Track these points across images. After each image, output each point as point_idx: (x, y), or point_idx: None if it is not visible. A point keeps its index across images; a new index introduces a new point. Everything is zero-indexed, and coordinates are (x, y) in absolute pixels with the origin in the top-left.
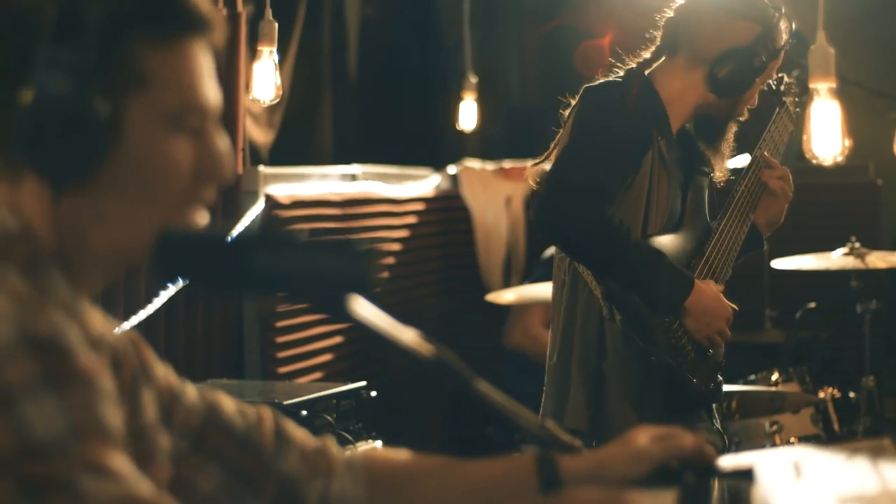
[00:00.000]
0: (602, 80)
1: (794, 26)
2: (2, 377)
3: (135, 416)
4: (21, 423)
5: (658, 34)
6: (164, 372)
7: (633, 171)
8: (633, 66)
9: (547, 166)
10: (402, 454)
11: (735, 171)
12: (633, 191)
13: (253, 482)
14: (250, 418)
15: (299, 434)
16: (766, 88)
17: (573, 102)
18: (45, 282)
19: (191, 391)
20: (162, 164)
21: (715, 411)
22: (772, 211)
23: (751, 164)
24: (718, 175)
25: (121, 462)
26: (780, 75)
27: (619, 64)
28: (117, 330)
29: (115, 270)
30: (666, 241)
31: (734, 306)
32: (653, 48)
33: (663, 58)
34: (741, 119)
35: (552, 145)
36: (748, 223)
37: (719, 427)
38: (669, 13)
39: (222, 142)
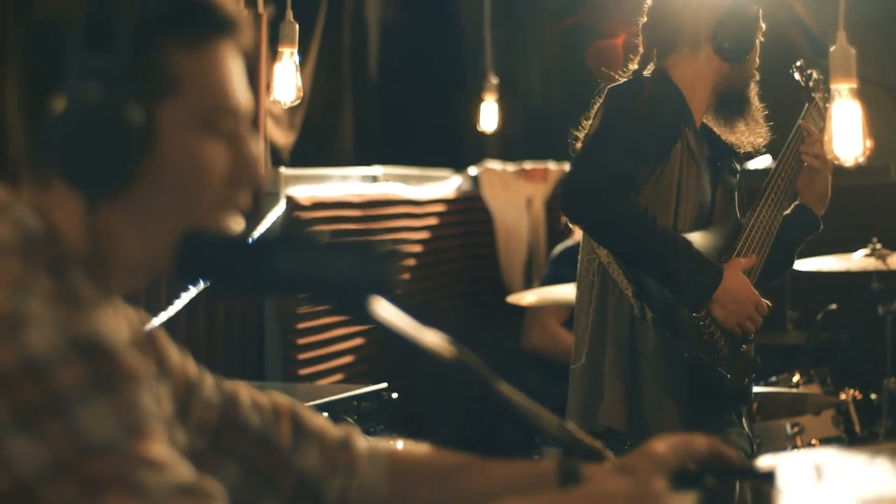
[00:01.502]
0: (624, 80)
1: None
2: (54, 383)
3: None
4: (77, 428)
5: (639, 41)
6: (181, 363)
7: (661, 159)
8: (634, 70)
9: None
10: (425, 449)
11: (755, 173)
12: (662, 181)
13: (271, 479)
14: (267, 414)
15: (319, 426)
16: (801, 83)
17: (596, 104)
18: (71, 283)
19: (208, 383)
20: (197, 168)
21: (744, 412)
22: (818, 185)
23: (787, 146)
24: (759, 141)
25: (165, 451)
26: (808, 71)
27: (623, 70)
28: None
29: (148, 275)
30: (696, 238)
31: (768, 302)
32: (638, 57)
33: (663, 55)
34: (756, 80)
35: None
36: (780, 218)
37: (748, 430)
38: (643, 19)
39: (255, 146)
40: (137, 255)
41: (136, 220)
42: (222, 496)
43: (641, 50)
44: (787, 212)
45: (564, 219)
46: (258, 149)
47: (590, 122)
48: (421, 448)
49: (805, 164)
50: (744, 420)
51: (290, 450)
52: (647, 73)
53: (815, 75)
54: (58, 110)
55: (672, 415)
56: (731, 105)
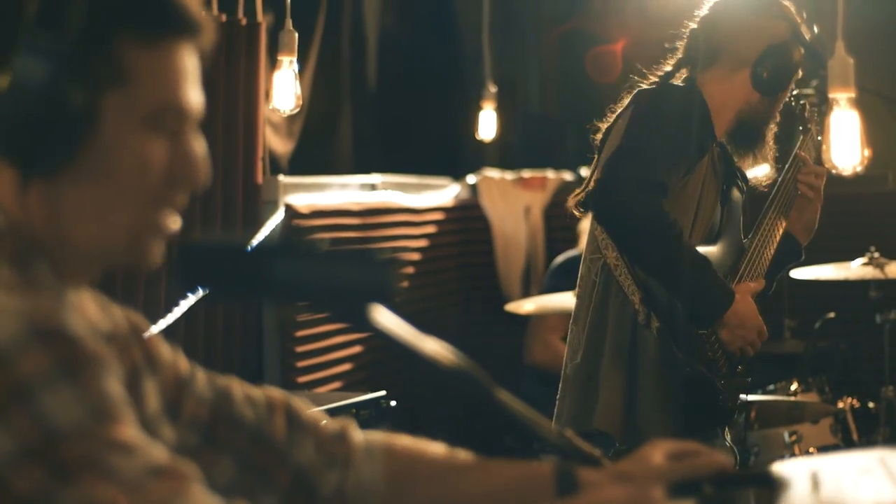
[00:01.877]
0: (656, 85)
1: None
2: (17, 371)
3: (134, 408)
4: (42, 414)
5: (681, 45)
6: (171, 359)
7: (688, 170)
8: (666, 72)
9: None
10: (422, 445)
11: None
12: (685, 194)
13: (266, 473)
14: (261, 408)
15: (314, 419)
16: (795, 111)
17: (620, 107)
18: (35, 274)
19: (200, 379)
20: (135, 161)
21: (727, 428)
22: (807, 214)
23: (785, 173)
24: (763, 179)
25: (135, 433)
26: (802, 102)
27: (643, 73)
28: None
29: (96, 266)
30: (706, 254)
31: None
32: (675, 59)
33: (701, 67)
34: (776, 121)
35: (596, 156)
36: (777, 239)
37: (731, 444)
38: (693, 25)
39: (199, 147)
40: (79, 242)
41: (74, 205)
42: (197, 476)
43: (680, 55)
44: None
45: (570, 209)
46: (202, 151)
47: (613, 117)
48: (420, 444)
49: (799, 192)
50: (727, 434)
51: (285, 443)
52: (677, 80)
53: (808, 106)
54: (1, 86)
55: (666, 424)
56: (748, 136)
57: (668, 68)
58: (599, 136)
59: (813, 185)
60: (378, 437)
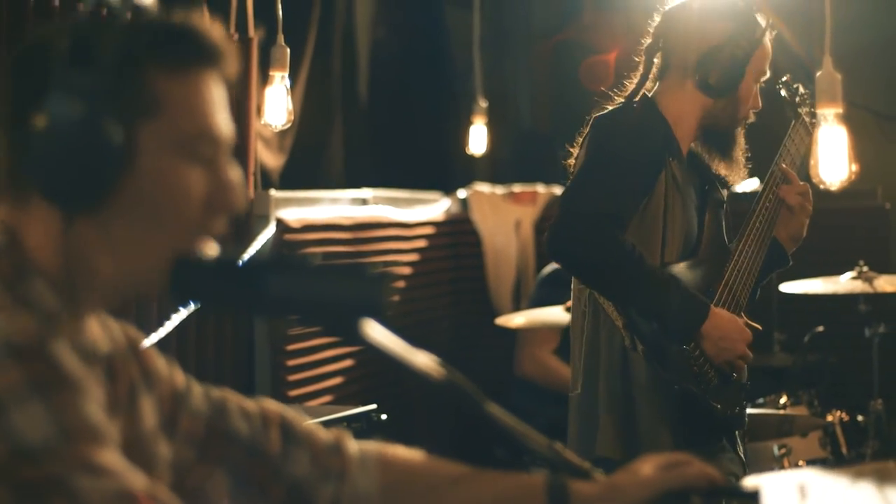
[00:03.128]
0: (610, 108)
1: (768, 20)
2: None
3: (132, 425)
4: (10, 430)
5: (640, 60)
6: (168, 374)
7: (646, 192)
8: (630, 91)
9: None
10: (416, 456)
11: (747, 195)
12: (648, 213)
13: (262, 487)
14: (255, 421)
15: (309, 431)
16: (786, 98)
17: (583, 132)
18: (29, 292)
19: (196, 393)
20: (173, 191)
21: (738, 437)
22: (792, 226)
23: (768, 181)
24: (736, 182)
25: (112, 458)
26: (794, 86)
27: (618, 89)
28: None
29: (123, 296)
30: (684, 267)
31: (757, 326)
32: (638, 75)
33: (657, 81)
34: (748, 121)
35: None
36: (767, 242)
37: (742, 454)
38: (647, 40)
39: (234, 173)
40: (112, 275)
41: (112, 239)
42: None
43: (641, 70)
44: None
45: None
46: (238, 176)
47: (577, 150)
48: (414, 455)
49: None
50: (738, 443)
51: (280, 457)
52: (637, 98)
53: (801, 90)
54: (38, 126)
55: (667, 443)
56: (715, 142)
57: (632, 87)
58: (572, 161)
59: (797, 202)
60: (372, 447)
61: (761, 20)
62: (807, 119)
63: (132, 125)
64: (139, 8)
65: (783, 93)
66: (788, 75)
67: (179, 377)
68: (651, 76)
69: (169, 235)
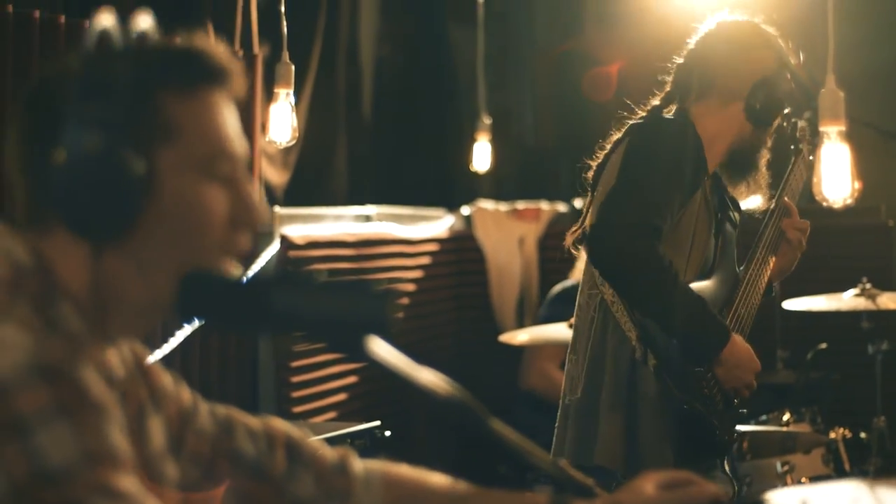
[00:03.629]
0: (649, 117)
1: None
2: (15, 406)
3: (140, 446)
4: (35, 451)
5: (669, 79)
6: (175, 393)
7: (683, 204)
8: (654, 106)
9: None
10: (420, 474)
11: (750, 214)
12: (680, 229)
13: None
14: (261, 442)
15: (314, 452)
16: (787, 131)
17: (609, 143)
18: (57, 315)
19: (203, 411)
20: (197, 212)
21: (725, 459)
22: (785, 259)
23: (773, 213)
24: (756, 206)
25: (130, 484)
26: (793, 121)
27: (643, 104)
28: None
29: (157, 317)
30: (699, 288)
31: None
32: (664, 93)
33: (692, 100)
34: (768, 146)
35: (589, 193)
36: (768, 272)
37: (729, 473)
38: (680, 60)
39: (254, 189)
40: (142, 298)
41: (140, 264)
42: None
43: (668, 89)
44: None
45: (568, 240)
46: (257, 192)
47: (604, 154)
48: (418, 474)
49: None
50: (726, 464)
51: (284, 478)
52: (667, 113)
53: (800, 124)
54: (58, 162)
55: (667, 458)
56: (741, 165)
57: (657, 102)
58: (591, 173)
59: (795, 238)
60: (377, 466)
61: (788, 50)
62: (806, 155)
63: (150, 152)
64: (143, 34)
65: (785, 125)
66: (789, 109)
67: (186, 395)
68: (682, 95)
69: (196, 256)
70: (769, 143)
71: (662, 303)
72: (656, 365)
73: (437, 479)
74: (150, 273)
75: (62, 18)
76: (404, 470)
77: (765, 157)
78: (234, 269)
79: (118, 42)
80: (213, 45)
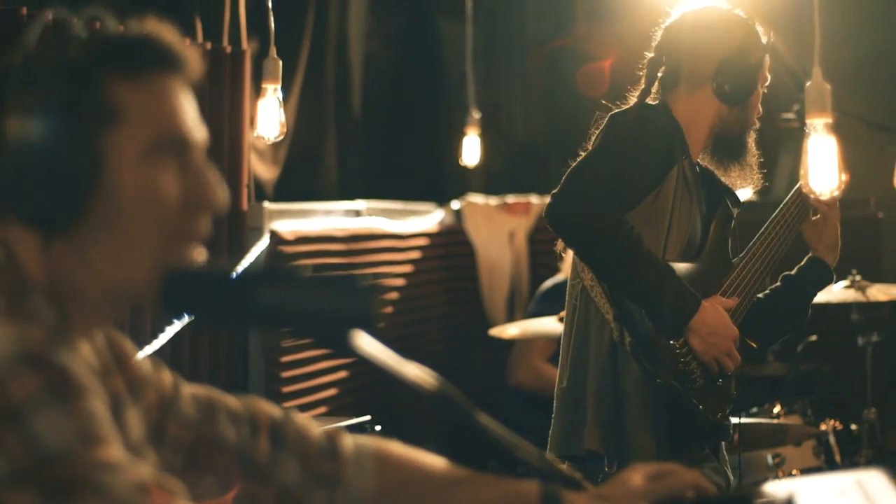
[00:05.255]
0: (628, 107)
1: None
2: (8, 394)
3: (119, 438)
4: (33, 436)
5: (643, 75)
6: (154, 379)
7: (654, 184)
8: (637, 100)
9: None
10: (413, 453)
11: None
12: (656, 208)
13: (250, 494)
14: (244, 428)
15: (300, 436)
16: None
17: (593, 133)
18: (30, 307)
19: (185, 396)
20: (147, 197)
21: (723, 449)
22: (826, 236)
23: (780, 211)
24: (753, 188)
25: (122, 454)
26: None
27: (620, 99)
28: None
29: (119, 308)
30: (683, 268)
31: (752, 344)
32: (640, 88)
33: (663, 91)
34: (755, 127)
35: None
36: (771, 268)
37: (726, 467)
38: (650, 53)
39: (211, 172)
40: (100, 288)
41: (94, 252)
42: (182, 491)
43: (643, 84)
44: (801, 264)
45: (560, 245)
46: (216, 175)
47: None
48: (411, 454)
49: (808, 215)
50: (723, 454)
51: (268, 464)
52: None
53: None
54: (3, 151)
55: (650, 443)
56: (728, 148)
57: (634, 99)
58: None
59: (822, 206)
60: (370, 444)
61: (761, 29)
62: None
63: (95, 137)
64: (93, 21)
65: (793, 117)
66: (797, 105)
67: (167, 380)
68: (654, 88)
69: (152, 241)
70: (757, 124)
71: (626, 268)
72: (632, 342)
73: (431, 459)
74: (105, 263)
75: (24, 10)
76: (398, 449)
77: (752, 136)
78: (197, 257)
79: (69, 30)
80: (164, 31)
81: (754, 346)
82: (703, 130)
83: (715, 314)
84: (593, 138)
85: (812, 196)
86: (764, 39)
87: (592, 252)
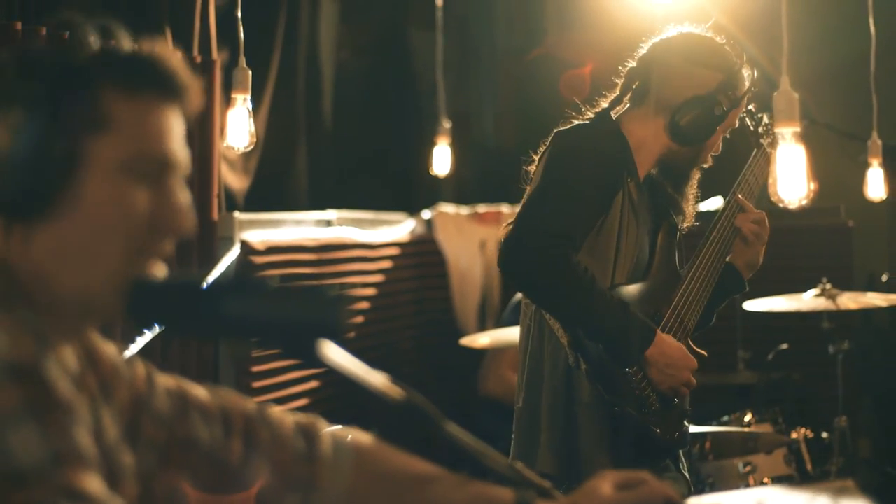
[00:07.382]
0: (572, 125)
1: (755, 74)
2: None
3: (97, 439)
4: (4, 451)
5: (619, 81)
6: (128, 377)
7: (602, 212)
8: (602, 108)
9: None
10: (391, 451)
11: (706, 214)
12: (603, 232)
13: (224, 493)
14: (217, 429)
15: (274, 438)
16: (750, 127)
17: (543, 147)
18: (17, 316)
19: (160, 392)
20: (116, 206)
21: (681, 457)
22: (749, 254)
23: (724, 209)
24: (686, 219)
25: (95, 485)
26: (759, 115)
27: (590, 105)
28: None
29: (84, 317)
30: (633, 290)
31: (703, 353)
32: (613, 95)
33: (629, 105)
34: (705, 166)
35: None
36: (719, 270)
37: (685, 473)
38: (632, 63)
39: (183, 197)
40: (64, 289)
41: (58, 250)
42: None
43: (618, 91)
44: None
45: None
46: (187, 201)
47: (536, 161)
48: (389, 451)
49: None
50: (681, 462)
51: (240, 466)
52: (590, 117)
53: (765, 120)
54: None
55: (605, 463)
56: (670, 176)
57: (605, 104)
58: (532, 167)
59: (752, 231)
60: (348, 443)
61: (747, 77)
62: (768, 150)
63: (79, 137)
64: (107, 32)
65: (748, 121)
66: (754, 105)
67: (141, 376)
68: (625, 99)
69: (112, 251)
70: (710, 161)
71: (579, 310)
72: (587, 369)
73: (408, 457)
74: (69, 262)
75: (18, 25)
76: (376, 445)
77: (697, 174)
78: (156, 273)
79: (80, 35)
80: (173, 58)
81: (705, 354)
82: (653, 154)
83: (671, 346)
84: (538, 159)
85: (737, 224)
86: (742, 91)
87: (545, 298)
